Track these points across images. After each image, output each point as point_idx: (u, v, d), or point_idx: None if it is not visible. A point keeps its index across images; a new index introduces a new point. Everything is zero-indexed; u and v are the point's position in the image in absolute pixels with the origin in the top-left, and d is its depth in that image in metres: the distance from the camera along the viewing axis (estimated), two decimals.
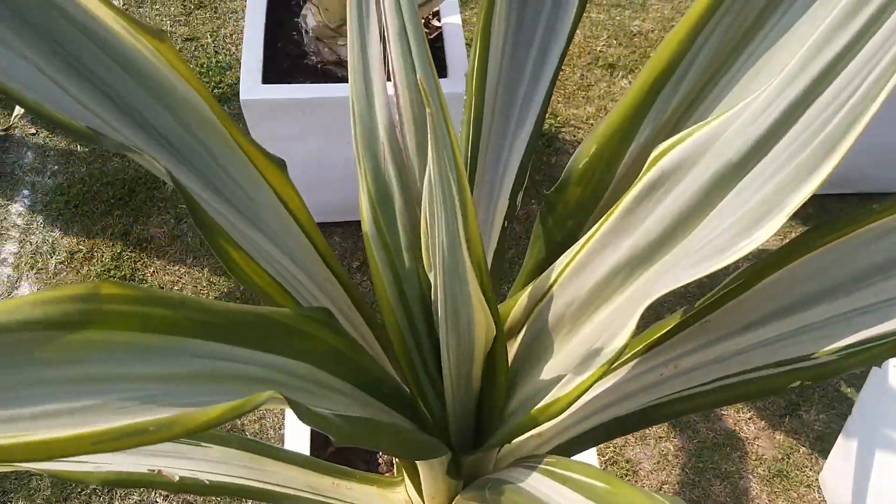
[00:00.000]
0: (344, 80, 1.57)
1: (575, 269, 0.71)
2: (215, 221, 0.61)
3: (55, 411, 0.45)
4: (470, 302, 0.68)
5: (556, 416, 0.72)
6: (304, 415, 0.62)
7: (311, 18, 1.52)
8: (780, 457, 1.61)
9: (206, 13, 2.28)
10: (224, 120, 0.66)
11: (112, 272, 1.73)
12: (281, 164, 0.70)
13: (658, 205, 0.61)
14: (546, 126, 2.14)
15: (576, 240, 0.76)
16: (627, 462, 1.61)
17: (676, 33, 0.67)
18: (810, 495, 1.56)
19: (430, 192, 0.56)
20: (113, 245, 1.77)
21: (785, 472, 1.59)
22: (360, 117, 0.65)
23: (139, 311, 0.51)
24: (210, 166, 0.66)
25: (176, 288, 1.72)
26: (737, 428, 1.65)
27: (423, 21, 1.63)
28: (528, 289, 0.76)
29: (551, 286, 0.74)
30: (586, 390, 0.68)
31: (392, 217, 0.70)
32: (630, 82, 2.33)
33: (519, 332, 0.81)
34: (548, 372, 0.77)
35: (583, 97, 2.22)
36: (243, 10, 2.11)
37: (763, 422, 1.67)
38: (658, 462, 1.60)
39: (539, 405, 0.73)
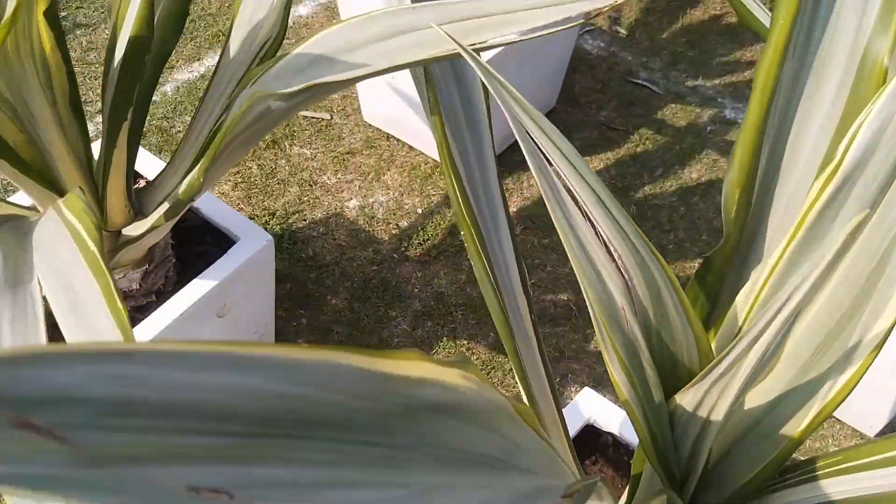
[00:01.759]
0: None
1: (764, 301, 0.75)
2: None
3: None
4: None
5: (816, 428, 0.76)
6: None
7: None
8: None
9: None
10: None
11: None
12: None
13: (851, 191, 0.66)
14: None
15: (735, 283, 0.79)
16: None
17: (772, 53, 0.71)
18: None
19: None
20: None
21: None
22: (598, 300, 0.61)
23: None
24: None
25: None
26: None
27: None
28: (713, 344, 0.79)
29: (740, 329, 0.77)
30: (855, 385, 0.73)
31: (642, 373, 0.67)
32: None
33: None
34: (765, 395, 0.80)
35: None
36: None
37: None
38: None
39: (804, 425, 0.76)
